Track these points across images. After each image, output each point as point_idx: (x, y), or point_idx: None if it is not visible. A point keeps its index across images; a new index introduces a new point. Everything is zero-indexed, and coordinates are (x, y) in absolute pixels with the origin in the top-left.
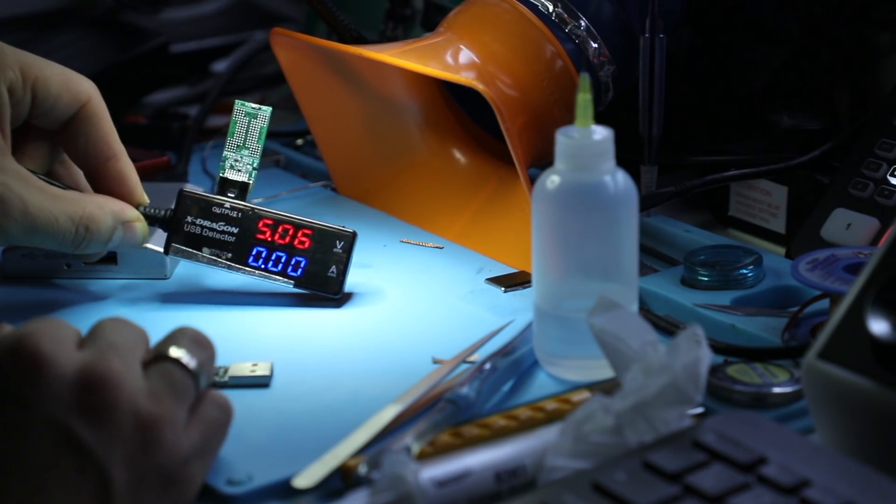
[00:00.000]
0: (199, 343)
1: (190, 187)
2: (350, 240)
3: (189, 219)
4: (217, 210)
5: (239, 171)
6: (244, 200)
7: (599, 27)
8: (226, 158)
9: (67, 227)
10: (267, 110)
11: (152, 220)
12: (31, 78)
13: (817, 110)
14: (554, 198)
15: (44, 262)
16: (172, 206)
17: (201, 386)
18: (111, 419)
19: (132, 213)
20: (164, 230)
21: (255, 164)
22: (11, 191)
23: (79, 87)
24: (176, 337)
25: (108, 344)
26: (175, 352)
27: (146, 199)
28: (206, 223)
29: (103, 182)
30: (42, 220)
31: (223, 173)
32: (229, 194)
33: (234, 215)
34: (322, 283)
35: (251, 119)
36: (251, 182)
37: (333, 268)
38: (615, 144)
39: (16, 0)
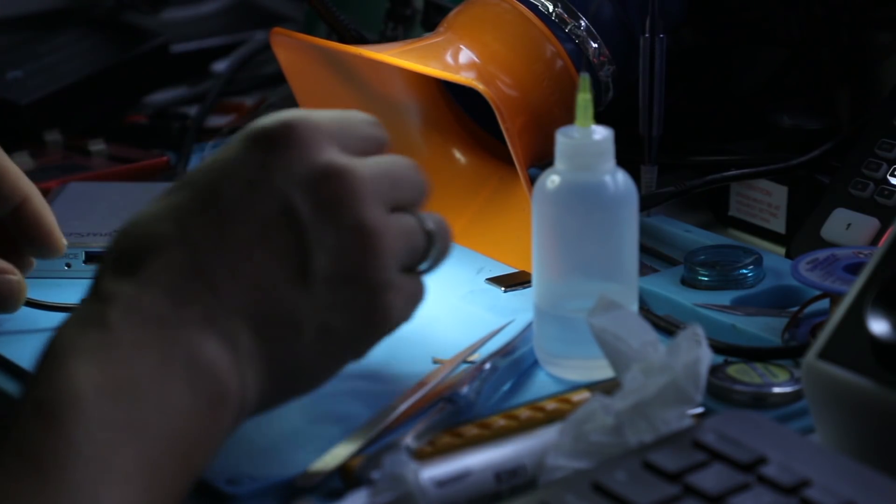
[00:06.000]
0: (444, 229)
1: None
2: None
3: None
4: None
5: None
6: None
7: (599, 27)
8: None
9: None
10: None
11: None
12: None
13: (817, 110)
14: (554, 198)
15: (44, 263)
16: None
17: (426, 263)
18: (334, 212)
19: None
20: None
21: None
22: None
23: None
24: (432, 216)
25: (378, 163)
26: (427, 221)
27: (64, 241)
28: None
29: (20, 226)
30: None
31: None
32: None
33: None
34: None
35: None
36: None
37: None
38: (615, 144)
39: (16, 0)
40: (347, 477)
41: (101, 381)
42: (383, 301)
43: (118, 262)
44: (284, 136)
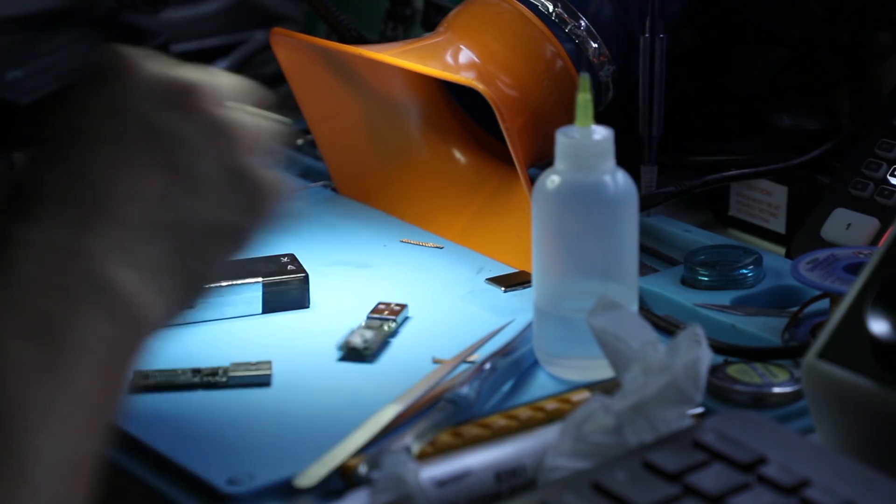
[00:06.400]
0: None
1: None
2: (293, 256)
3: None
4: None
5: None
6: None
7: (599, 27)
8: None
9: None
10: None
11: None
12: None
13: (817, 110)
14: (554, 198)
15: None
16: None
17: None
18: (188, 114)
19: None
20: None
21: None
22: None
23: None
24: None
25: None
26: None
27: None
28: None
29: None
30: None
31: None
32: None
33: None
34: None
35: None
36: None
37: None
38: (615, 144)
39: (16, 0)
40: (347, 477)
41: (17, 324)
42: (263, 185)
43: (7, 209)
44: (120, 66)
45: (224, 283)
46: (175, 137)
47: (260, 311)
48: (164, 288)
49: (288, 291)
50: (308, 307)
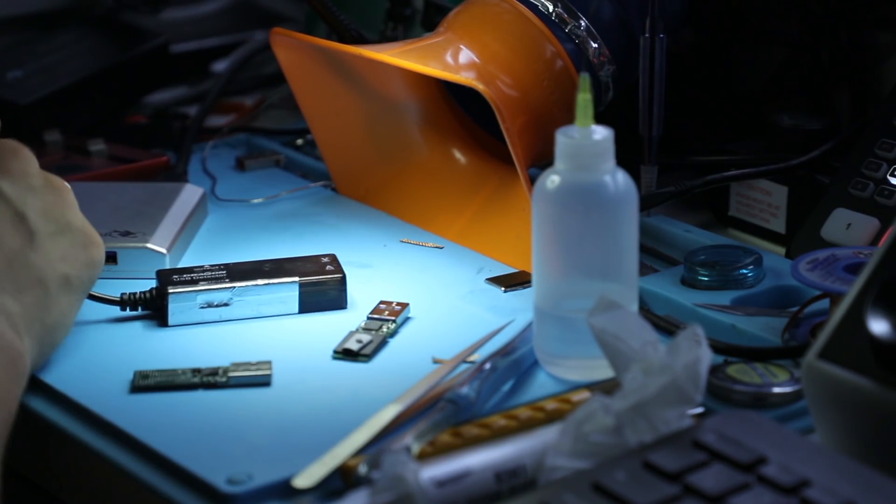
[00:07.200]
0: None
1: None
2: (333, 256)
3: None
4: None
5: None
6: None
7: (599, 27)
8: None
9: None
10: None
11: (135, 304)
12: None
13: (817, 110)
14: (554, 198)
15: None
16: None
17: None
18: (25, 177)
19: None
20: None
21: None
22: None
23: None
24: None
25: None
26: None
27: None
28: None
29: None
30: None
31: None
32: None
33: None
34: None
35: None
36: None
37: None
38: (615, 144)
39: (16, 0)
40: (347, 477)
41: None
42: (93, 238)
43: None
44: None
45: (261, 282)
46: (19, 203)
47: (296, 310)
48: (28, 335)
49: (325, 292)
50: (346, 308)
